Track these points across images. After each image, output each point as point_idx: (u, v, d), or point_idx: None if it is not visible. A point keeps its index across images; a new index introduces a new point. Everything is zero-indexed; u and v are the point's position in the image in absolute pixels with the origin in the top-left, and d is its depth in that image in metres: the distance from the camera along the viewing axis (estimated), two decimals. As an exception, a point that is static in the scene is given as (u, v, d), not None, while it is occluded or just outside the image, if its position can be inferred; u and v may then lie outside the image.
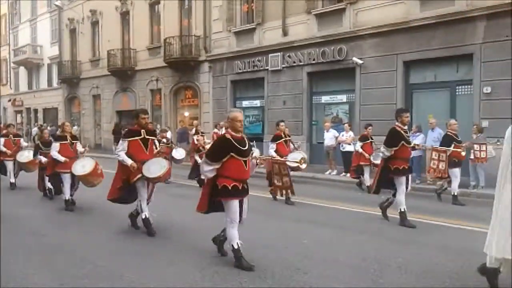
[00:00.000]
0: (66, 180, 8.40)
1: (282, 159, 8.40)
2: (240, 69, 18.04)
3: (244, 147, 4.88)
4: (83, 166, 7.97)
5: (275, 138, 9.32)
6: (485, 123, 11.34)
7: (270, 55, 16.81)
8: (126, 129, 7.30)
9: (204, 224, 6.21)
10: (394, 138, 7.06)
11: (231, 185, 4.77)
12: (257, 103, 18.21)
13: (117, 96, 25.24)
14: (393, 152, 7.00)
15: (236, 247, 4.81)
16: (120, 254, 5.51)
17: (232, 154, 4.77)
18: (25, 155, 10.96)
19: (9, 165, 11.43)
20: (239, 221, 4.93)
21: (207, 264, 5.00)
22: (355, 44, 14.29)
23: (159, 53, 21.70)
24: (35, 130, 28.48)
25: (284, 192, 8.65)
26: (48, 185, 9.48)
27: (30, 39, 33.95)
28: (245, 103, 18.75)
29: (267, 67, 16.99)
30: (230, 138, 4.85)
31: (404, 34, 13.07)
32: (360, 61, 14.01)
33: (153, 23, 22.77)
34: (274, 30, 16.74)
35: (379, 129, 13.49)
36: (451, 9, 12.02)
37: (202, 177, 5.96)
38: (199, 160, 10.45)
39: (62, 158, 8.26)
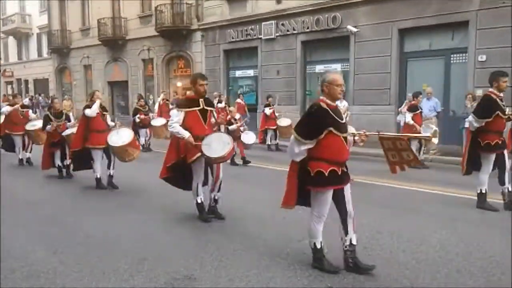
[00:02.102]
0: (98, 156, 7.53)
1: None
2: (233, 38, 17.74)
3: (342, 119, 3.80)
4: (120, 137, 7.19)
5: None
6: (479, 92, 11.29)
7: (263, 23, 16.51)
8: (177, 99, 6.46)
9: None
10: (488, 107, 5.87)
11: (328, 170, 3.67)
12: (250, 72, 18.01)
13: (108, 66, 24.85)
14: (484, 124, 5.82)
15: (319, 246, 3.91)
16: (118, 225, 5.53)
17: (330, 129, 3.64)
18: (34, 124, 9.80)
19: (18, 139, 10.37)
20: (347, 216, 3.84)
21: (201, 233, 5.05)
22: (350, 11, 14.05)
23: (150, 22, 21.26)
24: (26, 101, 28.04)
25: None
26: (58, 162, 8.66)
27: (18, 8, 33.10)
28: (238, 73, 18.56)
29: (260, 36, 16.72)
30: (327, 108, 3.70)
31: (399, 1, 12.85)
32: (354, 29, 13.81)
33: (143, -10, 22.20)
34: (267, -3, 16.38)
35: (373, 99, 13.52)
36: (448, -25, 11.78)
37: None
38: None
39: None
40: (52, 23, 28.34)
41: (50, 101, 9.35)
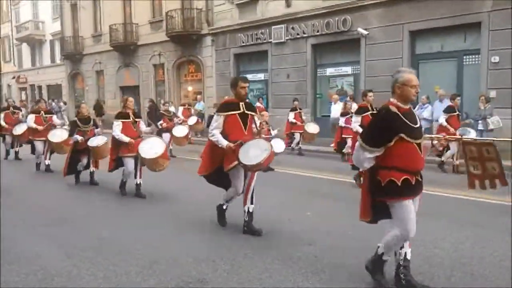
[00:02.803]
0: (130, 165, 7.19)
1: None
2: (243, 42, 17.80)
3: (416, 123, 3.39)
4: (151, 148, 6.85)
5: (360, 110, 7.85)
6: (493, 94, 11.19)
7: (273, 27, 16.53)
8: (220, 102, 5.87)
9: (203, 194, 6.23)
10: None
11: (401, 179, 3.28)
12: (260, 76, 18.04)
13: (120, 71, 25.09)
14: None
15: (386, 259, 3.57)
16: (131, 229, 5.56)
17: (401, 135, 3.27)
18: (58, 135, 9.45)
19: (39, 145, 10.06)
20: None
21: (213, 236, 5.05)
22: (360, 14, 14.01)
23: (161, 27, 21.43)
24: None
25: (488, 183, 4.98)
26: (81, 168, 8.35)
27: (31, 15, 33.61)
28: (249, 77, 18.32)
29: (270, 40, 16.74)
30: (397, 112, 3.34)
31: (410, 3, 12.78)
32: (365, 32, 13.76)
33: (154, -4, 22.41)
34: (277, 1, 16.42)
35: (385, 101, 13.37)
36: (459, -24, 11.69)
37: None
38: None
39: (126, 139, 7.04)
40: (65, 30, 28.74)
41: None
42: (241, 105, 5.09)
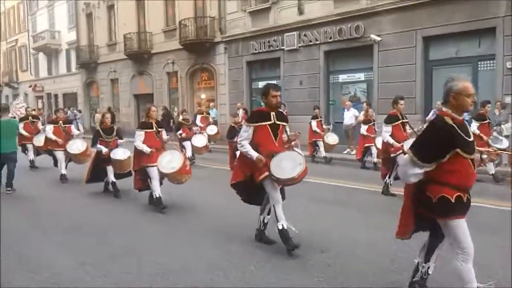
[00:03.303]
0: (154, 174, 6.92)
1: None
2: (255, 50, 17.87)
3: (470, 137, 3.10)
4: (169, 162, 6.71)
5: (390, 119, 7.47)
6: (508, 99, 11.03)
7: (285, 34, 16.57)
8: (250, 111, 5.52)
9: (221, 203, 6.24)
10: None
11: (454, 196, 3.04)
12: (273, 83, 18.02)
13: (134, 79, 25.38)
14: None
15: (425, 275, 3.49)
16: (143, 237, 5.59)
17: (457, 150, 3.00)
18: (76, 146, 9.37)
19: (60, 155, 9.96)
20: (438, 247, 3.44)
21: (224, 243, 5.05)
22: (373, 20, 13.97)
23: (174, 36, 21.63)
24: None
25: None
26: (112, 178, 8.11)
27: (48, 25, 34.22)
28: (261, 84, 18.60)
29: (283, 47, 16.78)
30: (453, 124, 3.06)
31: (423, 8, 12.69)
32: (378, 38, 13.71)
33: (168, 5, 22.63)
34: (289, 8, 16.46)
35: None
36: (473, -19, 11.60)
37: None
38: None
39: (147, 149, 6.81)
40: (80, 39, 29.20)
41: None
42: (272, 115, 4.81)
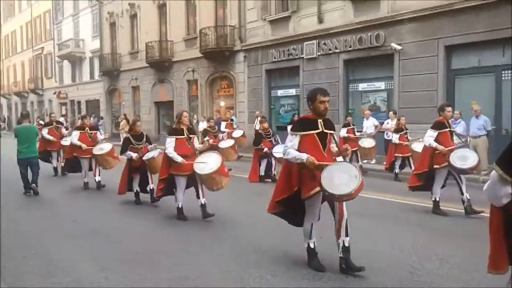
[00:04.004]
0: (181, 184, 6.67)
1: None
2: (275, 58, 17.93)
3: None
4: (208, 163, 6.33)
5: (438, 126, 6.96)
6: (533, 109, 10.77)
7: (305, 43, 16.58)
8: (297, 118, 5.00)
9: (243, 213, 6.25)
10: None
11: None
12: (292, 92, 18.06)
13: (155, 87, 25.73)
14: None
15: None
16: (161, 243, 5.64)
17: None
18: (100, 147, 9.40)
19: (85, 163, 9.78)
20: None
21: (241, 252, 5.05)
22: (394, 29, 13.86)
23: (195, 44, 21.89)
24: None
25: None
26: (137, 187, 8.01)
27: (73, 34, 35.07)
28: (280, 92, 18.67)
29: (302, 55, 16.78)
30: None
31: (445, 17, 12.54)
32: (398, 47, 13.59)
33: (189, 14, 22.97)
34: (309, 17, 16.49)
35: (419, 117, 13.13)
36: (497, -10, 11.42)
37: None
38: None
39: (179, 158, 6.48)
40: (104, 47, 29.84)
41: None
42: (319, 123, 4.38)
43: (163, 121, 26.22)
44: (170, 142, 6.61)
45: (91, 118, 28.43)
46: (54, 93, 38.40)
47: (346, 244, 4.32)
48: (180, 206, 6.76)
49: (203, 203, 6.61)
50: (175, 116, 7.64)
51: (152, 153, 7.79)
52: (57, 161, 12.02)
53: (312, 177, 4.17)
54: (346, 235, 4.33)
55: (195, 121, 21.32)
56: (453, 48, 12.81)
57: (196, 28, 21.88)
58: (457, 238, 5.61)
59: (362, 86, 15.59)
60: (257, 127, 17.10)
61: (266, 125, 10.97)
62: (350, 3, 15.10)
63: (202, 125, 18.55)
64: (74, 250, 5.28)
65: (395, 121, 12.79)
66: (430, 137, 6.85)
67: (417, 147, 10.27)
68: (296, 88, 17.64)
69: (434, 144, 6.72)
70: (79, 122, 10.89)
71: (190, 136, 6.78)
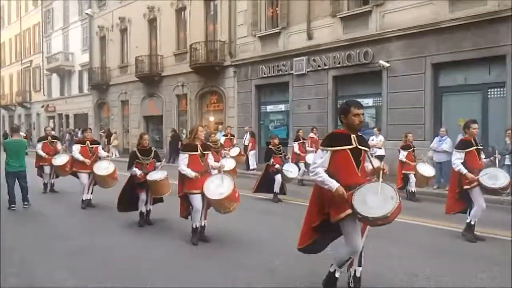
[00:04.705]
0: (197, 202, 6.17)
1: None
2: (264, 74, 17.99)
3: None
4: (217, 187, 5.99)
5: (463, 145, 6.56)
6: (519, 127, 10.87)
7: (294, 59, 16.69)
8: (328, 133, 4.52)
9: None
10: None
11: None
12: (281, 107, 18.10)
13: (144, 101, 25.64)
14: None
15: None
16: (149, 260, 5.50)
17: None
18: (104, 167, 8.85)
19: (84, 178, 9.26)
20: None
21: (230, 269, 4.93)
22: (382, 47, 14.02)
23: (185, 59, 21.92)
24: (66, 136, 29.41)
25: None
26: (142, 208, 7.48)
27: (62, 47, 34.97)
28: (270, 108, 18.70)
29: (291, 71, 16.87)
30: None
31: (433, 35, 12.73)
32: (386, 64, 13.73)
33: (179, 29, 23.04)
34: (299, 34, 16.63)
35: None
36: (483, 9, 11.63)
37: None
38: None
39: (192, 174, 6.12)
40: (93, 61, 29.75)
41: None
42: (352, 138, 3.95)
43: (152, 136, 26.04)
44: (183, 158, 6.25)
45: (79, 133, 28.54)
46: (42, 106, 38.11)
47: (358, 275, 4.01)
48: (195, 226, 6.24)
49: (203, 224, 6.32)
50: (189, 131, 7.11)
51: (158, 175, 7.26)
52: (50, 177, 11.30)
53: (345, 199, 3.75)
54: (359, 265, 4.03)
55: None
56: (441, 66, 12.96)
57: (186, 42, 21.93)
58: (443, 255, 5.54)
59: (351, 103, 15.64)
60: (246, 143, 17.10)
61: (276, 141, 10.42)
62: (339, 20, 15.27)
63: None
64: (58, 267, 5.11)
65: (380, 138, 12.94)
66: (458, 159, 6.37)
67: (421, 168, 10.13)
68: (286, 103, 17.68)
69: (464, 171, 6.24)
70: (80, 136, 10.00)
71: (204, 152, 6.40)
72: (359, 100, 13.83)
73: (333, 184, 3.74)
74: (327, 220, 3.88)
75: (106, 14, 27.73)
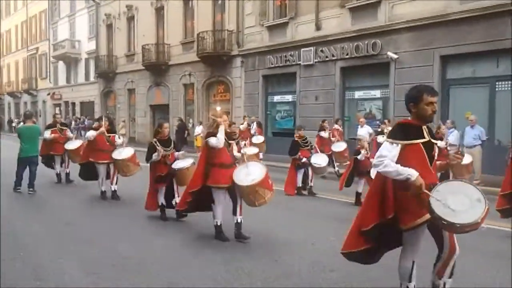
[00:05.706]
0: (220, 198, 5.75)
1: None
2: (272, 64, 17.95)
3: None
4: (248, 174, 5.46)
5: None
6: (526, 121, 10.83)
7: (302, 49, 16.62)
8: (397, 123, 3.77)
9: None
10: None
11: None
12: (288, 98, 18.07)
13: (151, 90, 25.67)
14: None
15: None
16: (153, 250, 5.57)
17: None
18: (125, 153, 8.22)
19: (102, 169, 8.77)
20: None
21: (232, 260, 5.00)
22: (390, 38, 13.93)
23: (192, 48, 21.89)
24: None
25: None
26: (162, 200, 7.07)
27: (68, 34, 34.95)
28: (277, 98, 18.68)
29: (299, 62, 16.82)
30: None
31: (442, 27, 12.63)
32: (395, 56, 13.66)
33: (187, 18, 22.98)
34: (307, 24, 16.55)
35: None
36: (492, 2, 11.51)
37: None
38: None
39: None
40: (100, 49, 29.76)
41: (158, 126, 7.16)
42: (424, 130, 3.42)
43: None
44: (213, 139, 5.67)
45: (86, 121, 28.67)
46: (48, 94, 38.22)
47: (447, 287, 3.42)
48: (219, 223, 5.81)
49: (239, 221, 5.72)
50: (212, 120, 6.27)
51: (184, 163, 6.88)
52: (61, 166, 10.85)
53: (416, 200, 3.19)
54: (450, 276, 3.42)
55: (190, 125, 21.30)
56: (449, 58, 12.89)
57: (194, 32, 21.88)
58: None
59: (358, 94, 15.63)
60: (253, 132, 17.07)
61: (302, 133, 9.92)
62: (348, 11, 15.17)
63: (198, 130, 18.58)
64: (63, 253, 5.20)
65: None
66: None
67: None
68: (293, 94, 17.66)
69: None
70: (95, 124, 9.49)
71: (230, 142, 5.88)
72: (367, 92, 13.86)
73: (413, 172, 3.13)
74: (381, 226, 3.40)
75: (113, 2, 27.68)
